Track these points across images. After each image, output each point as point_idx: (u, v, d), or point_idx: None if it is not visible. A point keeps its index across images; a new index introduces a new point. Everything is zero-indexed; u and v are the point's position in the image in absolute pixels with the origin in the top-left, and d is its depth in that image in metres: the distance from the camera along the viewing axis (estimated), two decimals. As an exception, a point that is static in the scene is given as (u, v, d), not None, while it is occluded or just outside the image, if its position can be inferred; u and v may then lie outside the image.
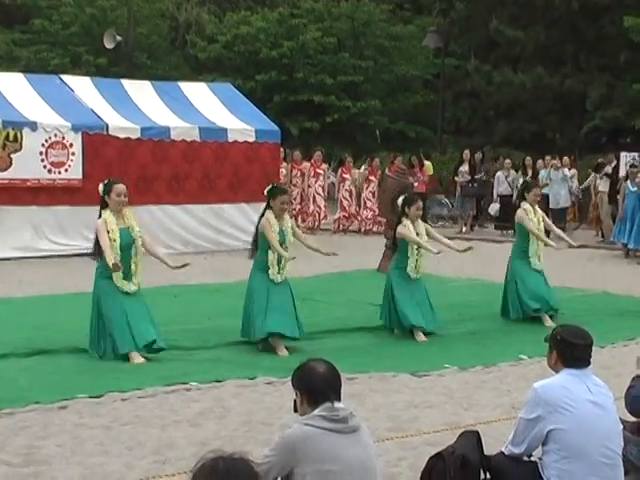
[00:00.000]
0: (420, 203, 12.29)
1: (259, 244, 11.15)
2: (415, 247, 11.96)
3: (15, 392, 8.87)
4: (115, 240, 10.35)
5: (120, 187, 10.52)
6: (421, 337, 11.85)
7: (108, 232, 10.35)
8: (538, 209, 13.42)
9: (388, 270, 12.50)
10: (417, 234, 11.97)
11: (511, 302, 13.19)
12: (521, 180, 25.55)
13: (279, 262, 11.06)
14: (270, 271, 11.01)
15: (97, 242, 10.51)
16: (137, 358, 10.29)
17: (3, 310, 13.11)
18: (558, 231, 13.95)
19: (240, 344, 11.22)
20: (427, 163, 26.78)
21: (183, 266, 10.93)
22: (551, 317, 12.91)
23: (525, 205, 13.24)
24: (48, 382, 9.31)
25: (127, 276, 10.48)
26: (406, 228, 11.97)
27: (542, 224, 13.29)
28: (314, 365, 5.16)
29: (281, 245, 10.98)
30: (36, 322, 12.22)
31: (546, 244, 13.41)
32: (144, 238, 10.68)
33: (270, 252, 10.98)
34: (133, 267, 10.54)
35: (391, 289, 12.06)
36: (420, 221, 12.19)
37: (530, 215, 13.14)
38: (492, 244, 23.53)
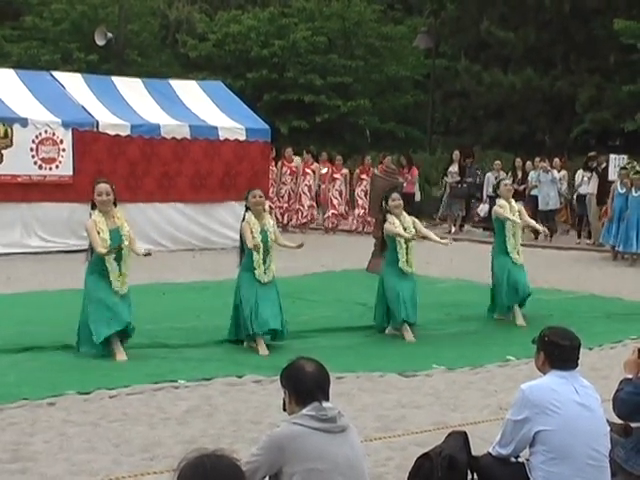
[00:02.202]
0: (395, 195, 12.30)
1: (243, 247, 11.18)
2: (403, 241, 11.97)
3: (3, 388, 8.86)
4: (106, 240, 10.32)
5: (100, 187, 10.50)
6: (409, 336, 11.87)
7: (98, 233, 10.32)
8: (514, 203, 13.46)
9: (381, 270, 12.45)
10: (404, 228, 11.98)
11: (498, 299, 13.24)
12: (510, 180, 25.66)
13: (264, 262, 11.08)
14: (257, 272, 11.03)
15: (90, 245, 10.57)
16: (120, 354, 10.33)
17: (-8, 306, 13.10)
18: (532, 223, 14.24)
19: (228, 342, 11.23)
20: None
21: (147, 254, 10.73)
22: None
23: (500, 201, 13.35)
24: (36, 378, 9.31)
25: (118, 277, 10.49)
26: (390, 224, 12.01)
27: (518, 220, 13.31)
28: (303, 364, 5.15)
29: (264, 244, 11.00)
30: (24, 318, 12.21)
31: (529, 225, 13.68)
32: (131, 237, 10.59)
33: (254, 253, 11.01)
34: (123, 269, 10.51)
35: (382, 289, 12.09)
36: (405, 214, 12.18)
37: (505, 210, 13.20)
38: (480, 245, 23.55)
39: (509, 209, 13.23)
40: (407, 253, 12.02)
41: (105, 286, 10.43)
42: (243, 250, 11.20)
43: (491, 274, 13.47)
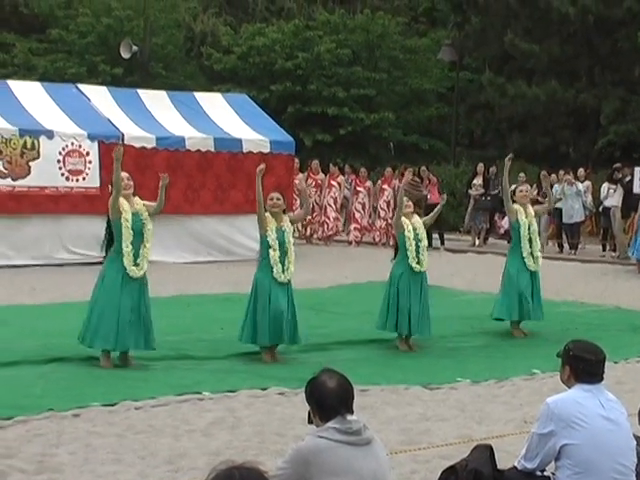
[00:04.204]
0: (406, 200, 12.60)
1: (261, 247, 11.28)
2: (412, 239, 12.01)
3: (29, 399, 8.90)
4: (127, 220, 10.58)
5: (122, 174, 10.93)
6: (404, 346, 11.99)
7: (121, 213, 10.59)
8: (530, 209, 13.45)
9: (392, 269, 12.47)
10: (414, 229, 12.08)
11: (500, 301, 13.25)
12: (535, 193, 25.58)
13: (282, 262, 11.11)
14: (274, 269, 11.05)
15: (106, 235, 10.92)
16: (106, 362, 10.53)
17: (17, 317, 13.18)
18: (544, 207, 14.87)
19: (252, 354, 11.25)
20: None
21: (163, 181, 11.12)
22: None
23: (515, 206, 13.37)
24: (61, 390, 9.35)
25: (135, 261, 10.66)
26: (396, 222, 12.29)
27: (535, 225, 13.40)
28: (325, 379, 5.10)
29: (281, 246, 11.08)
30: (50, 330, 12.27)
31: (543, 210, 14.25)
32: (149, 208, 10.91)
33: (271, 250, 11.03)
34: (142, 251, 10.68)
35: (390, 291, 12.12)
36: (416, 216, 12.42)
37: (521, 216, 13.19)
38: (504, 257, 23.46)
39: (524, 213, 13.24)
40: (418, 252, 12.06)
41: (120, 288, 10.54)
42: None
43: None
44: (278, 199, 11.25)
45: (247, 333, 11.07)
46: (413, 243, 12.04)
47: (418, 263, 12.04)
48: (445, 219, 27.86)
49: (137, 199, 10.90)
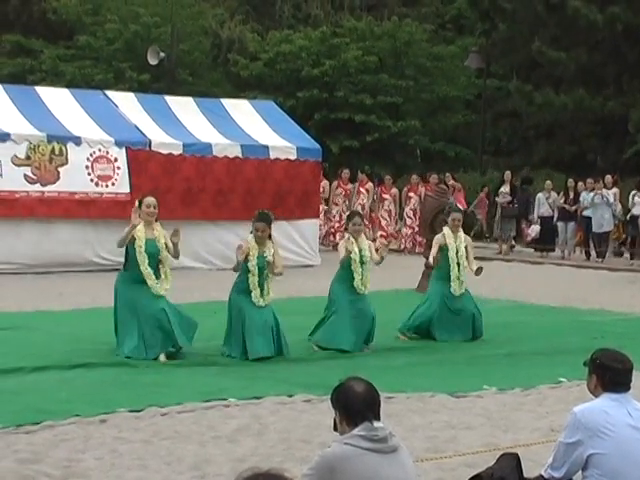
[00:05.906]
0: (357, 219, 12.45)
1: (241, 269, 11.44)
2: (358, 261, 12.01)
3: (55, 405, 8.93)
4: (141, 247, 10.98)
5: (149, 200, 11.24)
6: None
7: (136, 240, 11.00)
8: (461, 235, 13.25)
9: (332, 284, 12.41)
10: (360, 250, 12.03)
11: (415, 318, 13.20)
12: (562, 201, 25.47)
13: (261, 286, 11.28)
14: (253, 294, 11.27)
15: (126, 254, 11.29)
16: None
17: (44, 323, 13.25)
18: (471, 263, 13.39)
19: (278, 361, 11.27)
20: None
21: (176, 235, 11.19)
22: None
23: (445, 230, 13.26)
24: (88, 395, 9.38)
25: (157, 280, 11.14)
26: (342, 244, 12.20)
27: (463, 249, 13.15)
28: (352, 385, 5.12)
29: (260, 271, 11.26)
30: (77, 335, 12.33)
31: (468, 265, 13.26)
32: (168, 247, 11.16)
33: (250, 275, 11.24)
34: (162, 275, 11.14)
35: (332, 307, 12.14)
36: (364, 237, 12.39)
37: (450, 240, 13.07)
38: (531, 265, 23.47)
39: (453, 239, 13.10)
40: (363, 272, 12.07)
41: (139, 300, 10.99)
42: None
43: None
44: (263, 230, 11.43)
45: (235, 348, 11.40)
46: (359, 267, 12.03)
47: (362, 284, 12.06)
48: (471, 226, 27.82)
49: (157, 225, 11.22)
